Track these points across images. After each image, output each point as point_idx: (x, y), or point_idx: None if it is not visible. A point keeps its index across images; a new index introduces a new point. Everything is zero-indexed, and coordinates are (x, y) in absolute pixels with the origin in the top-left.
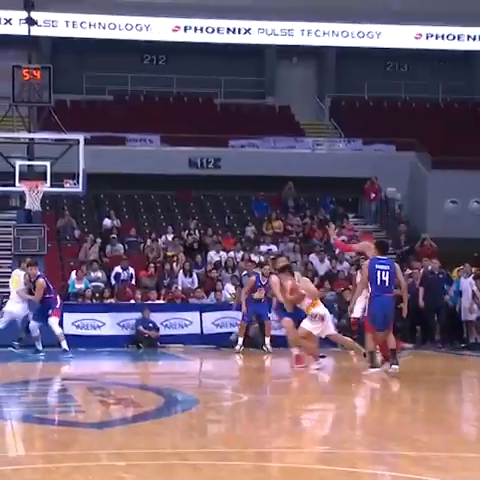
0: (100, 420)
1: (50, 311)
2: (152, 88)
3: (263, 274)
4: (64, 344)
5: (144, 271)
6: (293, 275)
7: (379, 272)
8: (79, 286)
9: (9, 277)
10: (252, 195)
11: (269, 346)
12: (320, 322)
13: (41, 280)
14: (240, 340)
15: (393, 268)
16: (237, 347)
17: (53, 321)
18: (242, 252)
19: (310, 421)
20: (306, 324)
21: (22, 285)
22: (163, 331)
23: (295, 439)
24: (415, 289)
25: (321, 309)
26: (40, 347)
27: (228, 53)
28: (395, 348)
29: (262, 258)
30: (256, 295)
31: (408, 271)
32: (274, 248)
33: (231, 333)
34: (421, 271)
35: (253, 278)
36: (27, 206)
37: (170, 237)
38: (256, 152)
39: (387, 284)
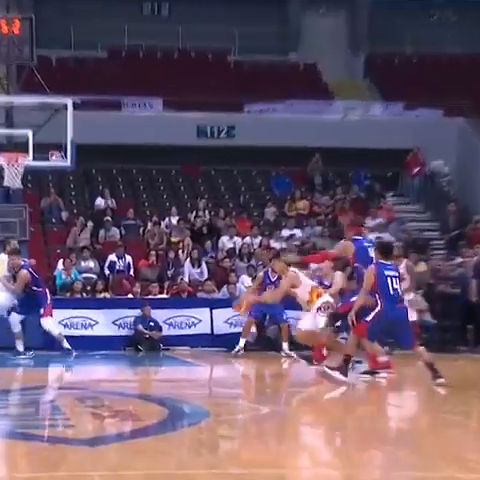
0: (93, 436)
1: (42, 310)
2: (153, 42)
3: (272, 269)
4: (66, 344)
5: (144, 260)
6: (288, 265)
7: (389, 279)
8: (67, 278)
9: None
10: (272, 170)
11: (288, 351)
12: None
13: (25, 271)
14: (242, 341)
15: (399, 274)
16: (236, 348)
17: (47, 322)
18: (260, 237)
19: (338, 437)
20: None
21: (5, 272)
22: (166, 331)
23: (320, 458)
24: (466, 281)
25: (327, 297)
26: (21, 348)
27: (244, 0)
28: (431, 362)
29: (284, 245)
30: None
31: (458, 260)
32: (298, 233)
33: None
34: (474, 259)
35: (261, 274)
36: (5, 183)
37: (175, 220)
38: (277, 118)
39: (399, 292)
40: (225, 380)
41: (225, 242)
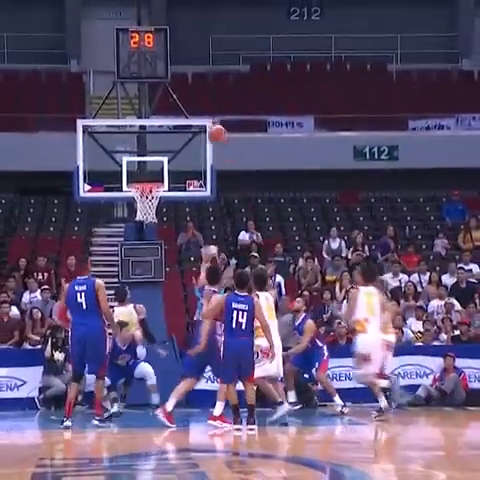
0: None
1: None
2: (302, 53)
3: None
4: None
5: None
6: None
7: (235, 312)
8: None
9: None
10: (442, 195)
11: None
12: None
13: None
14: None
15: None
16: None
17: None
18: (428, 274)
19: None
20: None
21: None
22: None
23: None
24: None
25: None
26: (116, 409)
27: (407, 0)
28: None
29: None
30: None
31: None
32: (475, 268)
33: (418, 386)
34: None
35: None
36: (138, 217)
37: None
38: (447, 136)
39: (243, 327)
40: (393, 441)
41: (389, 280)
